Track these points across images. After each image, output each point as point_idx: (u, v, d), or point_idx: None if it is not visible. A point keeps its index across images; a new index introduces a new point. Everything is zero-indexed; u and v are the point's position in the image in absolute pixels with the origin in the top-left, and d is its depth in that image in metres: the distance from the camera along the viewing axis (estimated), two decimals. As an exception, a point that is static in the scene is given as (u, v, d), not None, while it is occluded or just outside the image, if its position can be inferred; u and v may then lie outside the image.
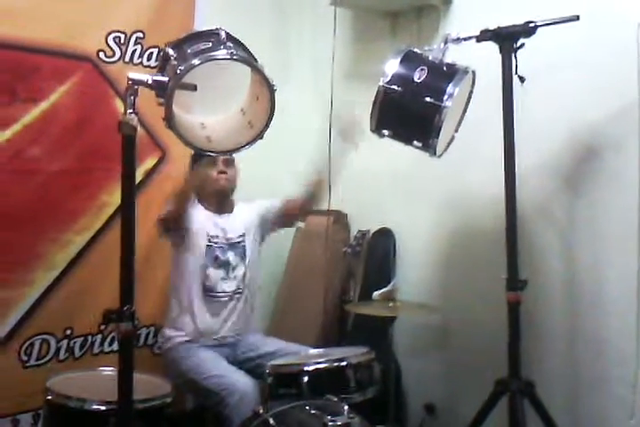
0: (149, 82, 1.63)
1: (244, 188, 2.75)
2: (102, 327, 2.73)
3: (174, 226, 2.51)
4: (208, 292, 2.59)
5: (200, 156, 2.54)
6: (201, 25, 2.88)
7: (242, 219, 2.70)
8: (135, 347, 2.82)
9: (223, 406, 2.28)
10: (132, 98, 1.61)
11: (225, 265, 2.62)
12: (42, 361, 2.68)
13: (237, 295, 2.63)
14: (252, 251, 2.69)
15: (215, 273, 2.60)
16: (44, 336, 2.68)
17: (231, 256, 2.64)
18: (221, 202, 2.70)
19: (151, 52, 2.86)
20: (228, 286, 2.62)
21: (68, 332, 2.74)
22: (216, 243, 2.62)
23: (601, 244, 2.34)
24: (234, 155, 2.59)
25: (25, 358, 2.64)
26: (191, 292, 2.59)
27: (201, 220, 2.63)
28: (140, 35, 2.84)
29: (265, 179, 3.08)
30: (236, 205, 2.74)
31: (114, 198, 2.68)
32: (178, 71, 1.60)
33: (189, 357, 2.50)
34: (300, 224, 3.39)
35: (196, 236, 2.60)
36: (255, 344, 2.64)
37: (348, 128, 2.56)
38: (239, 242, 2.67)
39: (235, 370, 2.41)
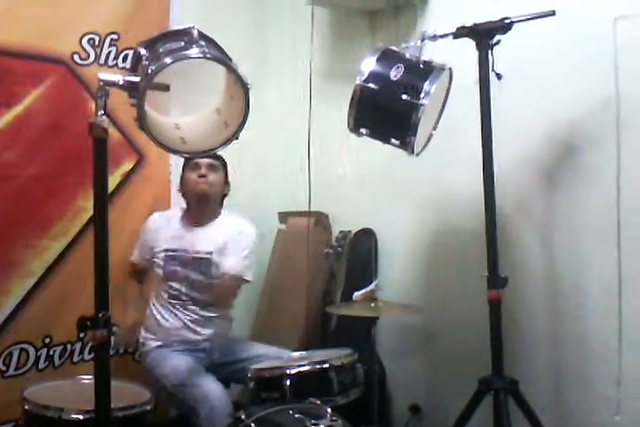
0: (121, 82, 1.60)
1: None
2: (82, 335, 2.69)
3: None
4: (172, 299, 2.58)
5: (187, 160, 2.57)
6: (177, 25, 2.84)
7: (218, 235, 2.61)
8: (116, 355, 2.85)
9: (195, 415, 2.27)
10: (103, 99, 1.58)
11: (185, 279, 2.57)
12: (21, 371, 2.63)
13: (207, 306, 2.59)
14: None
15: (177, 285, 2.58)
16: (23, 345, 2.63)
17: (191, 272, 2.56)
18: (201, 209, 2.65)
19: (126, 54, 2.82)
20: (196, 295, 2.58)
21: (47, 340, 2.69)
22: (173, 258, 2.58)
23: (581, 240, 2.34)
24: (219, 161, 2.62)
25: (3, 367, 2.58)
26: (158, 298, 2.61)
27: (164, 234, 2.62)
28: (115, 36, 2.80)
29: (241, 179, 3.04)
30: (220, 215, 2.68)
31: (90, 203, 2.61)
32: (149, 71, 1.57)
33: (162, 363, 2.48)
34: (282, 226, 3.38)
35: (157, 249, 2.60)
36: (234, 349, 2.62)
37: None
38: (204, 258, 2.57)
39: (207, 378, 2.38)
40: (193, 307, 2.58)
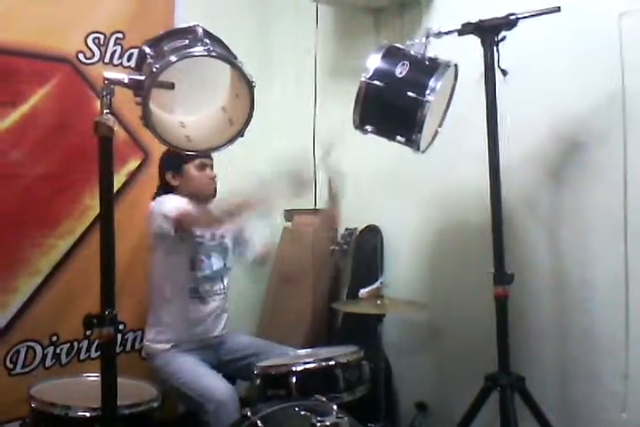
0: (126, 81, 1.61)
1: (227, 186, 2.71)
2: (88, 333, 2.70)
3: (187, 228, 2.42)
4: (192, 293, 2.56)
5: (187, 157, 2.53)
6: (182, 24, 2.85)
7: None
8: (123, 352, 2.86)
9: (203, 412, 2.26)
10: (109, 98, 1.59)
11: (208, 267, 2.59)
12: (28, 369, 2.64)
13: (219, 296, 2.62)
14: (231, 253, 2.68)
15: (199, 274, 2.57)
16: (30, 343, 2.64)
17: (214, 256, 2.62)
18: (204, 205, 2.63)
19: (131, 53, 2.83)
20: (211, 286, 2.60)
21: (54, 338, 2.70)
22: (202, 243, 2.59)
23: (587, 236, 2.33)
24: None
25: (10, 365, 2.60)
26: (176, 293, 2.55)
27: None
28: (120, 35, 2.81)
29: (248, 177, 3.04)
30: None
31: (97, 202, 2.62)
32: (154, 69, 1.58)
33: (170, 363, 2.47)
34: (288, 224, 3.38)
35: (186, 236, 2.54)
36: (240, 345, 2.62)
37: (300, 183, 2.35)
38: (222, 243, 2.65)
39: (214, 376, 2.38)
40: (207, 299, 2.57)
